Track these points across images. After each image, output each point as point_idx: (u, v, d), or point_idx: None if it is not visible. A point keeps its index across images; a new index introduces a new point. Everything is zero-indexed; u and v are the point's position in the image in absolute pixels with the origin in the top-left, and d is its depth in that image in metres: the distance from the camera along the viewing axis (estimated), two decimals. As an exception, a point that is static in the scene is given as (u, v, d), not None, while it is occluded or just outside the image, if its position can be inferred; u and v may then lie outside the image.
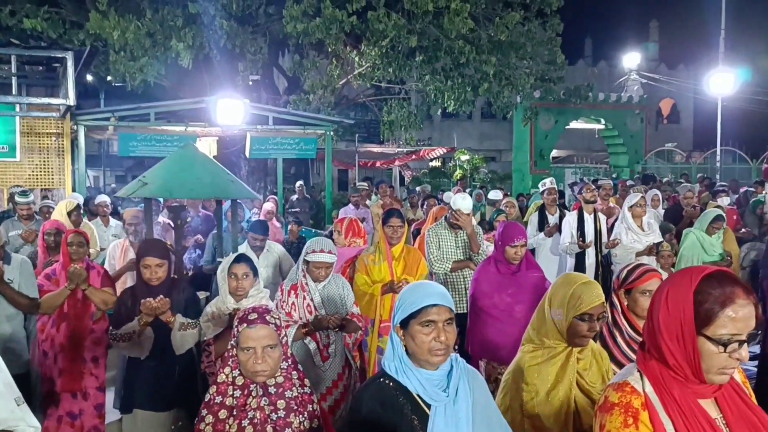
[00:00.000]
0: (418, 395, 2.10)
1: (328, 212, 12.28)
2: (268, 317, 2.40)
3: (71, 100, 8.85)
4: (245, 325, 2.37)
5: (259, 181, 15.07)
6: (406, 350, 2.15)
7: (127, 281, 5.68)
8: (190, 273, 6.74)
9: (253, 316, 2.38)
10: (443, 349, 2.10)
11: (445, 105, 14.55)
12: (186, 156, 5.32)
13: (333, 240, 5.18)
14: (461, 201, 5.65)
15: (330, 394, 4.12)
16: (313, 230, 10.36)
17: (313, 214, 14.08)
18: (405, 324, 2.13)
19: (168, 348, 3.63)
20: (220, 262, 5.45)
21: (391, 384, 2.12)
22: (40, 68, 11.04)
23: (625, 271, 2.98)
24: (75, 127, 10.02)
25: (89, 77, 15.55)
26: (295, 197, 13.50)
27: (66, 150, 9.83)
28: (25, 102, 9.55)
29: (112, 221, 8.39)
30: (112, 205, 8.81)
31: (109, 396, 5.01)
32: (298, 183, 14.36)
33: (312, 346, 4.10)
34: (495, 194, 10.49)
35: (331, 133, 12.31)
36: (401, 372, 2.12)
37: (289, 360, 2.49)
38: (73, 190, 9.76)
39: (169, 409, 3.73)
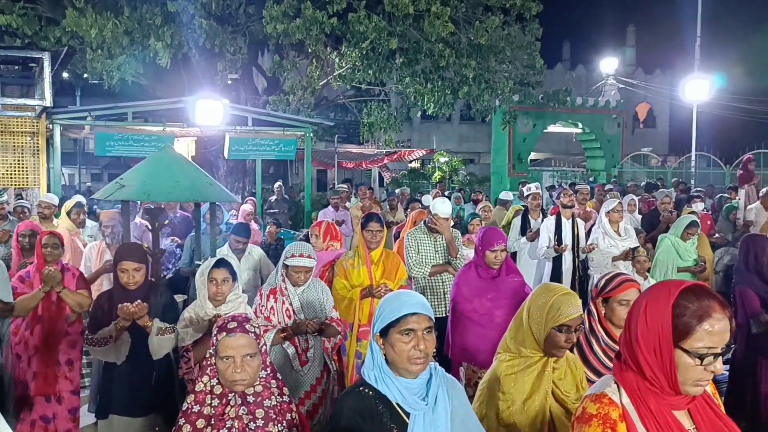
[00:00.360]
0: (398, 404, 2.11)
1: (307, 214, 12.24)
2: (247, 326, 2.38)
3: (47, 101, 8.72)
4: (224, 333, 2.35)
5: (238, 181, 14.98)
6: (386, 359, 2.16)
7: (104, 283, 5.62)
8: (170, 275, 6.68)
9: (233, 324, 2.37)
10: (422, 358, 2.11)
11: (425, 107, 14.59)
12: (164, 158, 5.27)
13: (310, 244, 5.16)
14: (440, 206, 5.67)
15: (308, 399, 4.12)
16: (292, 232, 10.34)
17: (291, 215, 14.03)
18: (385, 333, 2.15)
19: (145, 353, 3.59)
20: (197, 265, 5.41)
21: (370, 393, 2.13)
22: (16, 67, 10.86)
23: (603, 280, 3.01)
24: (50, 126, 9.87)
25: (65, 74, 15.35)
26: (273, 198, 13.45)
27: (41, 149, 9.67)
28: (-1, 102, 9.41)
29: (88, 222, 8.28)
30: (87, 205, 8.69)
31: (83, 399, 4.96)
32: (277, 184, 14.30)
33: (291, 350, 4.09)
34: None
35: (311, 134, 12.28)
36: (381, 381, 2.13)
37: (268, 369, 2.48)
38: (48, 190, 9.61)
39: (146, 414, 3.70)
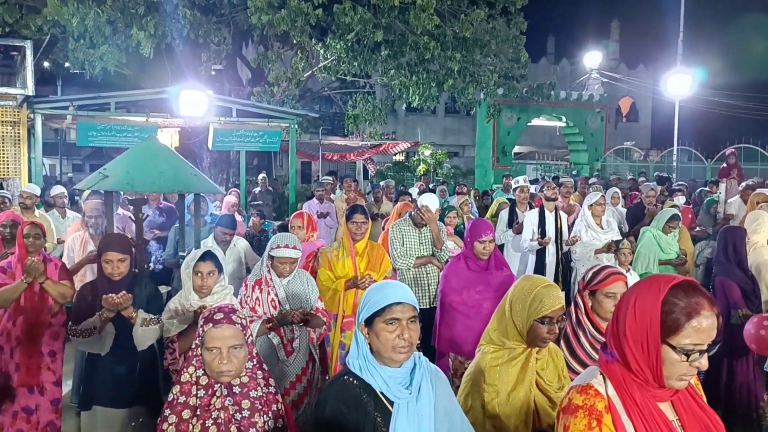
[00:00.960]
0: (382, 393, 2.13)
1: (291, 205, 12.22)
2: (234, 317, 2.38)
3: (29, 90, 8.62)
4: (211, 324, 2.34)
5: (222, 173, 14.92)
6: (371, 348, 2.17)
7: (87, 274, 5.58)
8: (157, 266, 6.64)
9: (219, 315, 2.36)
10: (407, 347, 2.13)
11: (410, 100, 14.59)
12: (148, 149, 5.22)
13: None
14: (428, 198, 5.71)
15: (294, 389, 4.14)
16: (276, 223, 10.30)
17: (276, 207, 13.99)
18: (369, 322, 2.16)
19: (129, 344, 3.58)
20: (181, 256, 5.40)
21: (355, 382, 2.15)
22: (-3, 56, 10.75)
23: (590, 273, 3.03)
24: (32, 115, 9.76)
25: (45, 63, 15.17)
26: (257, 190, 13.40)
27: (22, 139, 9.56)
28: (-20, 91, 9.29)
29: (69, 213, 8.23)
30: (68, 195, 8.62)
31: (65, 390, 4.93)
32: (261, 175, 14.25)
33: (276, 340, 4.10)
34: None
35: (296, 126, 12.24)
36: (365, 370, 2.15)
37: (254, 360, 2.48)
38: (29, 180, 9.52)
39: (130, 405, 3.69)
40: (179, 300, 3.65)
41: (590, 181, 12.28)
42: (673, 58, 21.14)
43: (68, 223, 7.92)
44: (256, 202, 12.41)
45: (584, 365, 2.80)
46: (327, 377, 4.57)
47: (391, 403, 2.13)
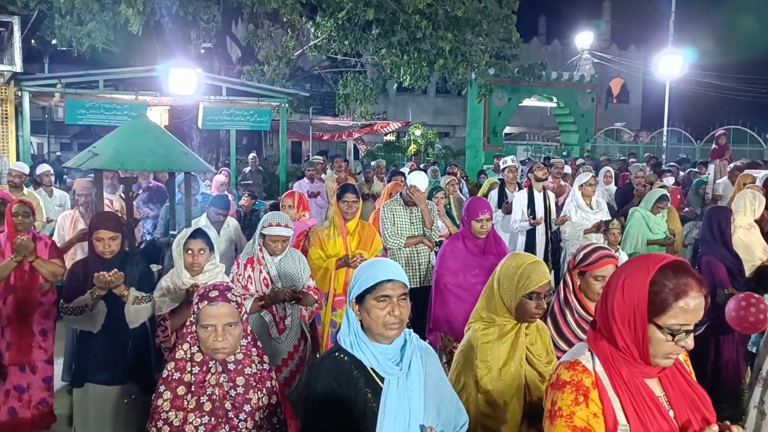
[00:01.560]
0: (372, 369, 2.16)
1: (282, 185, 12.19)
2: (229, 295, 2.39)
3: (17, 67, 8.50)
4: (206, 302, 2.35)
5: (212, 152, 14.85)
6: (362, 325, 2.19)
7: (77, 253, 5.57)
8: (156, 236, 6.65)
9: (214, 293, 2.37)
10: (397, 323, 2.15)
11: (401, 79, 14.53)
12: (138, 127, 5.20)
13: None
14: (417, 178, 5.71)
15: (286, 366, 4.18)
16: (266, 203, 10.29)
17: (266, 187, 13.96)
18: (360, 299, 2.18)
19: (121, 322, 3.59)
20: (172, 235, 5.39)
21: (345, 358, 2.17)
22: (-17, 32, 10.56)
23: (582, 253, 3.02)
24: (19, 93, 9.65)
25: (32, 40, 14.96)
26: (247, 169, 13.36)
27: (10, 117, 9.45)
28: (-34, 67, 9.15)
29: (57, 191, 8.19)
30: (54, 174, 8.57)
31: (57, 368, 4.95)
32: (251, 155, 14.19)
33: (268, 318, 4.14)
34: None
35: (286, 105, 12.17)
36: (356, 346, 2.17)
37: (249, 337, 2.50)
38: (18, 159, 9.44)
39: (122, 383, 3.70)
40: (171, 278, 3.66)
41: (578, 162, 12.33)
42: (665, 39, 21.13)
43: (55, 202, 7.89)
44: (246, 182, 12.38)
45: (570, 344, 2.82)
46: (318, 355, 4.60)
47: (382, 379, 2.15)
